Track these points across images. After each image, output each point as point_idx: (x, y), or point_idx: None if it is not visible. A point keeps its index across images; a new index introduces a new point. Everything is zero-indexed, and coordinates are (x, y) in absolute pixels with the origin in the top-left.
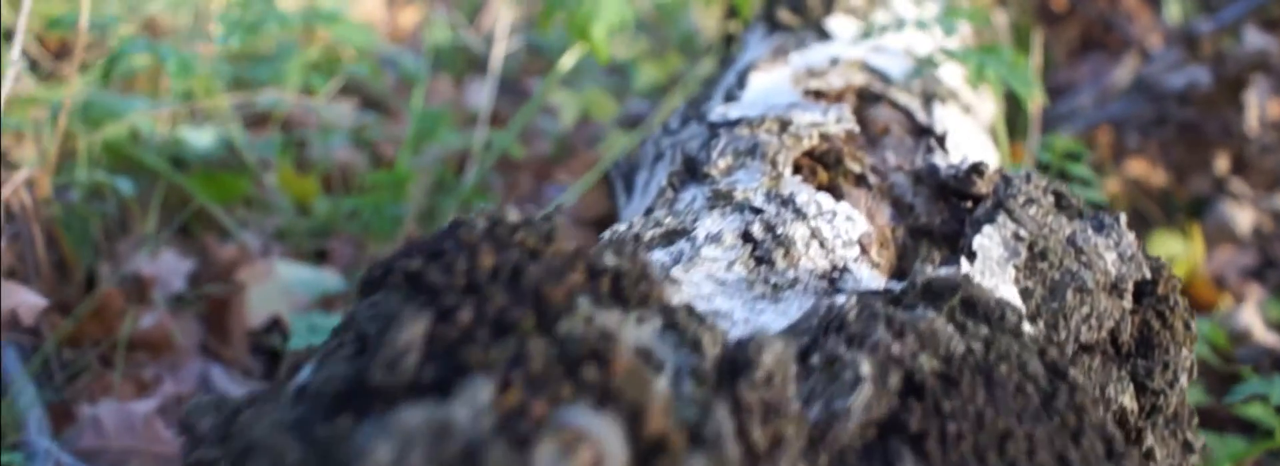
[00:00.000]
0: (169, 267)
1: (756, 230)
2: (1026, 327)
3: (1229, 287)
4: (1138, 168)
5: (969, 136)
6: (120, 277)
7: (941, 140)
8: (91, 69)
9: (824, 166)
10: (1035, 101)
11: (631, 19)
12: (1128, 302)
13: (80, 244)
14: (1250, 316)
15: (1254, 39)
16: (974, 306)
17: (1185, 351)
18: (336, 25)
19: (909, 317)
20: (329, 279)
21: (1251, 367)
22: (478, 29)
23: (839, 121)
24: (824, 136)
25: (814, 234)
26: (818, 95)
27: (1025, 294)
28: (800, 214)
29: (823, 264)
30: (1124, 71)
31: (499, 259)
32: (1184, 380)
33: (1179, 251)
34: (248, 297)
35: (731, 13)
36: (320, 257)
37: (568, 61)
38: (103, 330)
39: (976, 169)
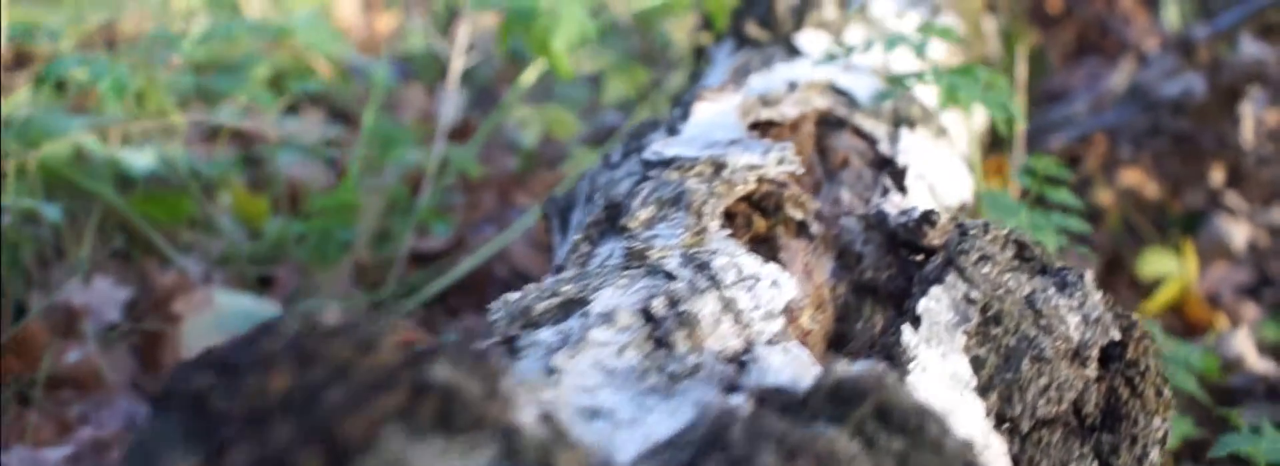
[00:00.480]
0: (103, 297)
1: (658, 305)
2: (952, 438)
3: (1223, 306)
4: (1131, 177)
5: (940, 165)
6: (49, 308)
7: (901, 175)
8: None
9: (762, 213)
10: (1016, 124)
11: (594, 32)
12: (1092, 370)
13: (10, 272)
14: (1243, 342)
15: (1249, 47)
16: (889, 415)
17: (1157, 421)
18: (304, 32)
19: (804, 436)
20: (268, 310)
21: (1246, 394)
22: (452, 37)
23: (781, 163)
24: (763, 180)
25: (727, 307)
26: (769, 126)
27: (976, 363)
28: (714, 282)
29: (734, 343)
30: (1120, 77)
31: (296, 379)
32: (1155, 454)
33: (1172, 269)
34: (184, 330)
35: (705, 24)
36: (265, 285)
37: (531, 76)
38: (24, 365)
39: (928, 218)
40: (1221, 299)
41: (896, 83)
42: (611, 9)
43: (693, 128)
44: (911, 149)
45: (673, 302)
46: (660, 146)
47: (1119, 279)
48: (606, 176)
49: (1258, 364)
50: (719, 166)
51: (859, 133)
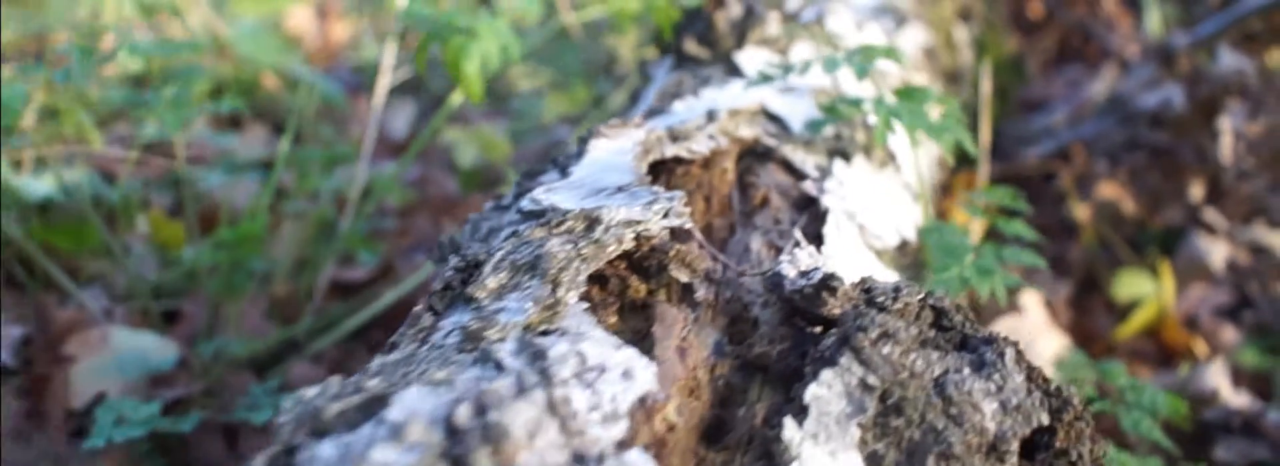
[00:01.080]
0: None
1: (463, 414)
2: None
3: (1201, 330)
4: (1108, 192)
5: (880, 199)
6: None
7: (822, 218)
8: None
9: (643, 275)
10: (980, 147)
11: (517, 53)
12: (1012, 464)
13: None
14: (1217, 375)
15: (1228, 59)
16: None
17: None
18: (245, 43)
19: None
20: (165, 352)
21: (1222, 429)
22: (409, 44)
23: (666, 216)
24: (642, 238)
25: (554, 410)
26: (678, 164)
27: (872, 460)
28: (545, 377)
29: (557, 459)
30: (1101, 86)
31: None
32: None
33: (1148, 291)
34: (75, 372)
35: (655, 37)
36: (171, 320)
37: (459, 97)
38: None
39: (827, 284)
40: (1199, 321)
41: (831, 111)
42: (563, 17)
43: (585, 168)
44: (845, 184)
45: (482, 409)
46: (543, 192)
47: (1093, 300)
48: (492, 222)
49: (1233, 398)
50: (592, 222)
51: (788, 166)
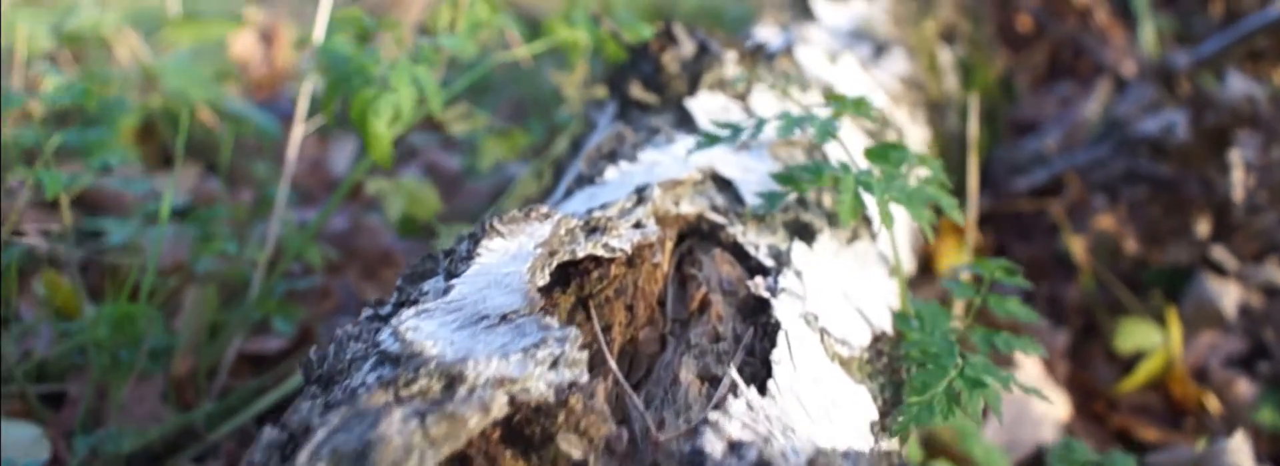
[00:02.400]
0: None
1: None
2: None
3: (1212, 382)
4: (1106, 225)
5: (848, 288)
6: None
7: (774, 332)
8: None
9: (524, 448)
10: (963, 220)
11: (440, 102)
12: None
13: None
14: (1240, 452)
15: (1237, 83)
16: None
17: None
18: (172, 76)
19: None
20: (37, 451)
21: None
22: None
23: (554, 367)
24: (519, 401)
25: None
26: (596, 264)
27: None
28: None
29: None
30: (1095, 105)
31: None
32: None
33: (1154, 341)
34: None
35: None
36: (55, 404)
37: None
38: None
39: None
40: (1210, 373)
41: (788, 181)
42: (505, 53)
43: (470, 281)
44: (806, 274)
45: None
46: (413, 318)
47: (1094, 348)
48: (360, 344)
49: None
50: (452, 381)
51: (737, 250)
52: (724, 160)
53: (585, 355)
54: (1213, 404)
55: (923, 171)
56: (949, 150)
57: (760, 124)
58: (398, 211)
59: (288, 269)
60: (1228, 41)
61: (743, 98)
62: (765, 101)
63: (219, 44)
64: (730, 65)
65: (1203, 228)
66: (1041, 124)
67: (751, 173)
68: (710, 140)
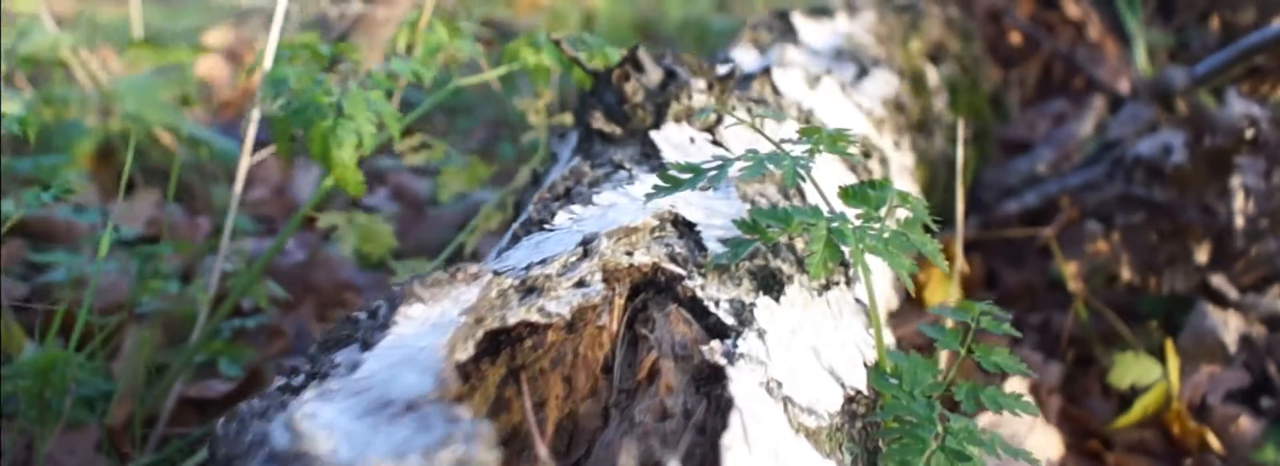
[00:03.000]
0: None
1: None
2: None
3: (1212, 419)
4: (1101, 253)
5: (818, 343)
6: None
7: (725, 411)
8: None
9: None
10: (947, 267)
11: (397, 127)
12: None
13: None
14: None
15: (1237, 104)
16: None
17: None
18: (129, 98)
19: None
20: None
21: None
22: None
23: None
24: None
25: None
26: (531, 331)
27: None
28: None
29: None
30: (1088, 124)
31: None
32: None
33: (1151, 375)
34: None
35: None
36: None
37: (331, 181)
38: None
39: None
40: (1210, 408)
41: (753, 229)
42: (462, 80)
43: (382, 357)
44: (769, 333)
45: None
46: (313, 401)
47: (1088, 382)
48: (257, 428)
49: None
50: None
51: (695, 306)
52: (687, 201)
53: (496, 456)
54: (1213, 442)
55: (904, 212)
56: (936, 173)
57: (724, 165)
58: (351, 247)
59: (237, 306)
60: (1226, 59)
61: (712, 129)
62: (737, 132)
63: (185, 66)
64: (698, 94)
65: (1202, 255)
66: (1033, 143)
67: (717, 215)
68: (669, 184)
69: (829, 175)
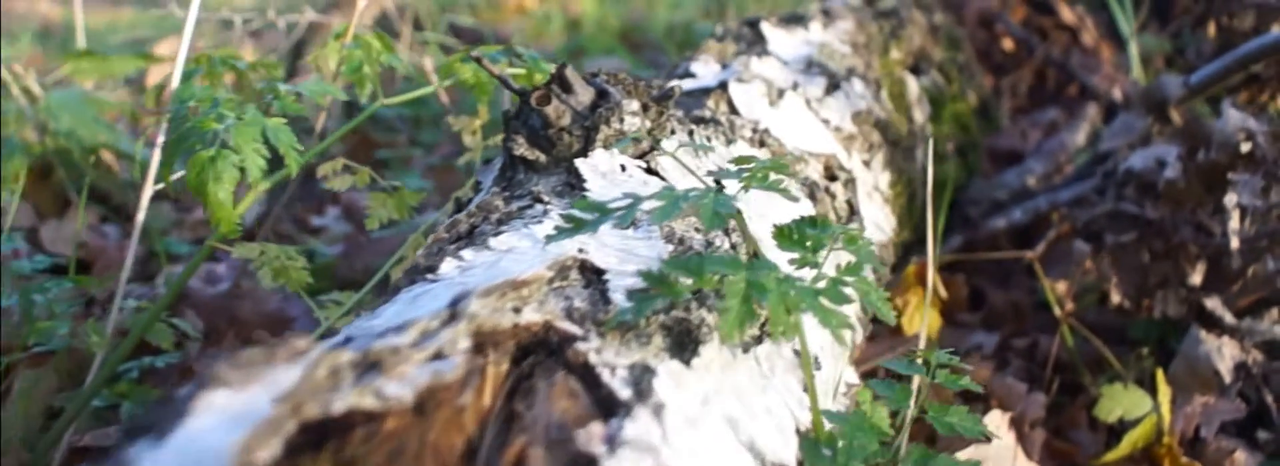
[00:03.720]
0: None
1: None
2: None
3: (1206, 454)
4: (1090, 274)
5: (746, 410)
6: None
7: None
8: None
9: None
10: (893, 318)
11: (297, 159)
12: None
13: None
14: None
15: (1234, 117)
16: None
17: None
18: (61, 114)
19: None
20: None
21: None
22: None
23: None
24: None
25: None
26: (367, 419)
27: None
28: None
29: None
30: (1081, 135)
31: None
32: None
33: (1141, 407)
34: None
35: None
36: None
37: (242, 209)
38: None
39: None
40: (1204, 442)
41: (659, 283)
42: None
43: (162, 460)
44: (670, 408)
45: None
46: None
47: (1075, 413)
48: None
49: None
50: None
51: (587, 374)
52: (603, 242)
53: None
54: None
55: (848, 256)
56: (916, 191)
57: (634, 203)
58: (267, 281)
59: (145, 343)
60: (1223, 67)
61: (648, 154)
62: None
63: (140, 73)
64: (631, 117)
65: (1196, 276)
66: (1024, 153)
67: (634, 259)
68: (571, 226)
69: (781, 205)
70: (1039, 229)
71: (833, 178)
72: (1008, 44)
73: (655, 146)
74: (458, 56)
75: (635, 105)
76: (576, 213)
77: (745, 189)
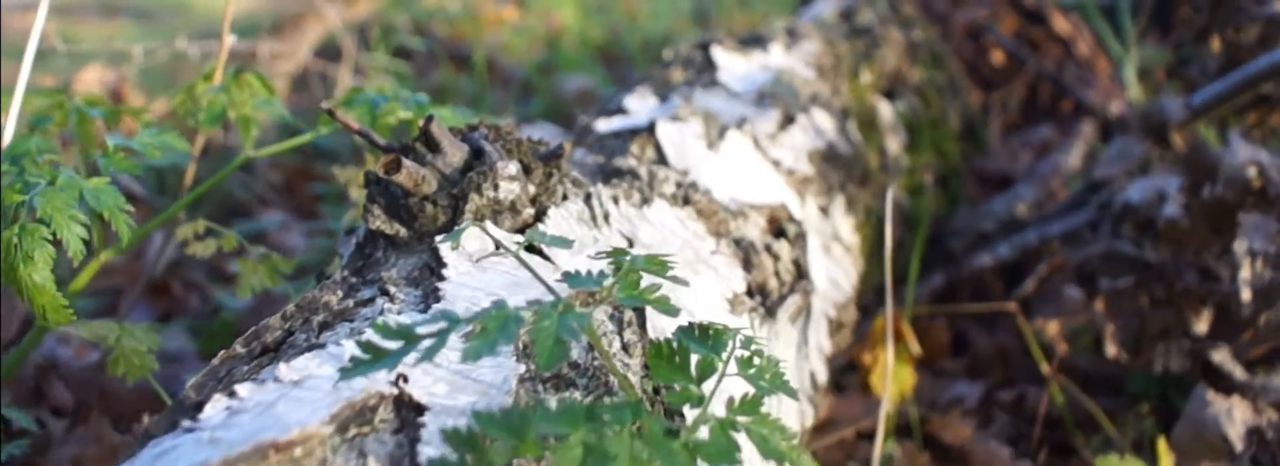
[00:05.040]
0: None
1: None
2: None
3: None
4: (1082, 320)
5: None
6: None
7: None
8: None
9: None
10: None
11: (127, 232)
12: None
13: None
14: None
15: (1243, 150)
16: None
17: None
18: None
19: None
20: None
21: None
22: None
23: None
24: None
25: None
26: None
27: None
28: None
29: None
30: (1074, 156)
31: None
32: None
33: None
34: None
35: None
36: None
37: (84, 278)
38: None
39: None
40: None
41: (470, 446)
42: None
43: None
44: None
45: None
46: None
47: None
48: None
49: None
50: None
51: None
52: (436, 363)
53: None
54: None
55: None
56: (885, 233)
57: (447, 329)
58: (112, 369)
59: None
60: (1228, 87)
61: (533, 223)
62: (566, 228)
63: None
64: (507, 183)
65: (1200, 325)
66: (1014, 175)
67: (468, 386)
68: (369, 357)
69: (707, 279)
70: (1029, 264)
71: (780, 232)
72: (997, 56)
73: (540, 217)
74: (346, 95)
75: (513, 167)
76: (376, 339)
77: (588, 305)
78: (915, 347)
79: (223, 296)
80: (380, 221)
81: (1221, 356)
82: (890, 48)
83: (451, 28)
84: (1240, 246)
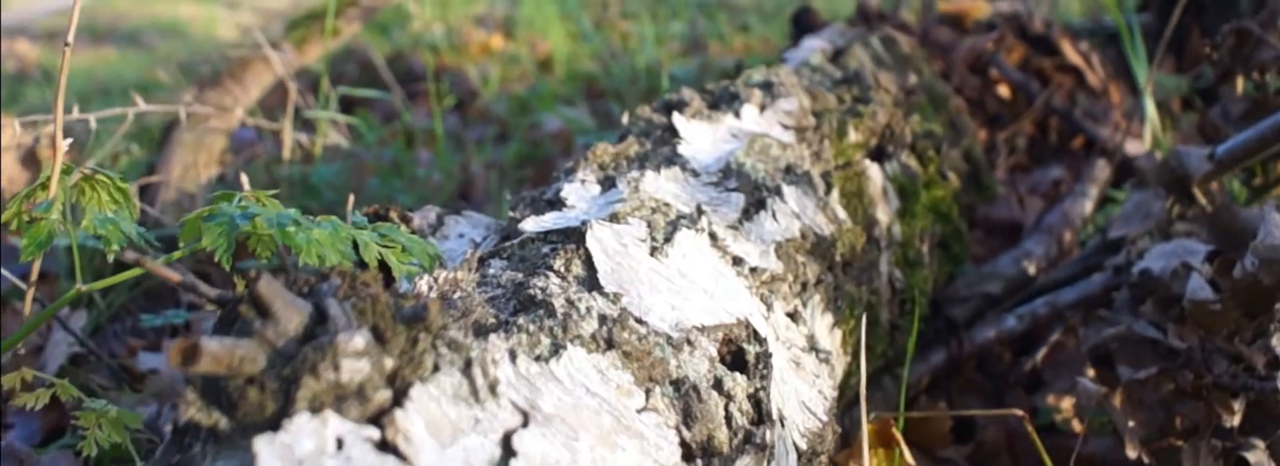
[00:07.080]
0: None
1: None
2: None
3: None
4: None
5: None
6: None
7: None
8: None
9: None
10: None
11: None
12: None
13: None
14: None
15: (1278, 225)
16: None
17: None
18: None
19: None
20: None
21: None
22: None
23: None
24: None
25: None
26: None
27: None
28: None
29: None
30: (1088, 203)
31: None
32: None
33: None
34: None
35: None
36: None
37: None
38: None
39: None
40: None
41: None
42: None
43: None
44: None
45: None
46: None
47: None
48: None
49: None
50: None
51: None
52: None
53: None
54: None
55: None
56: (877, 316)
57: None
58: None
59: None
60: (1256, 136)
61: (382, 418)
62: (435, 411)
63: None
64: (353, 359)
65: (1232, 419)
66: (1022, 225)
67: None
68: None
69: (628, 455)
70: (1040, 332)
71: (737, 359)
72: (1004, 90)
73: (399, 400)
74: (201, 213)
75: (360, 340)
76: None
77: None
78: (908, 459)
79: (129, 400)
80: (194, 408)
81: (1258, 457)
82: (882, 96)
83: (436, 57)
84: (1278, 335)
